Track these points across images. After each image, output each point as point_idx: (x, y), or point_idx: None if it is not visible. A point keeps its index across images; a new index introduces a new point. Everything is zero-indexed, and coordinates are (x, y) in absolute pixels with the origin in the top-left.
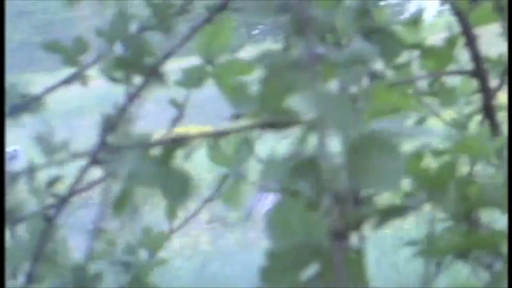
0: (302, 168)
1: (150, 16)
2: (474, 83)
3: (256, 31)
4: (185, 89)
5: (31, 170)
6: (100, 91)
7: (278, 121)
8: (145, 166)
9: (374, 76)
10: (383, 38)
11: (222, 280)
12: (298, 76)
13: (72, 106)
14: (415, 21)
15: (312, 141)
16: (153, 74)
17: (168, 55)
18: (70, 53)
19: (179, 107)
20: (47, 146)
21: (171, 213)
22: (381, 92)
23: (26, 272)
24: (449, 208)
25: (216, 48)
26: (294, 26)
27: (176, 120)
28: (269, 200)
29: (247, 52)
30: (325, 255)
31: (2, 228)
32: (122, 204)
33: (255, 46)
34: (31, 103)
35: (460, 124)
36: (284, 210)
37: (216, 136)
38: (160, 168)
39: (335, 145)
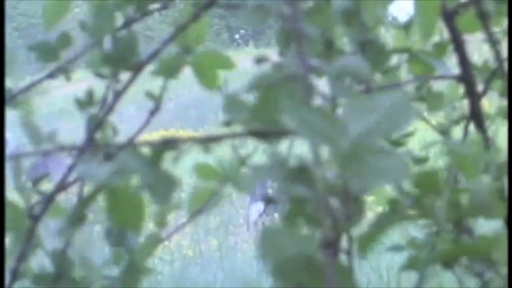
0: (295, 176)
1: (132, 10)
2: (460, 89)
3: (238, 36)
4: (162, 80)
5: (17, 158)
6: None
7: (270, 130)
8: (135, 165)
9: (361, 80)
10: (372, 44)
11: (202, 285)
12: (286, 91)
13: (55, 109)
14: (406, 26)
15: (299, 149)
16: (140, 71)
17: (156, 52)
18: (53, 48)
19: (156, 99)
20: (34, 134)
21: (160, 222)
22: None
23: (11, 269)
24: (440, 215)
25: (193, 37)
26: (287, 36)
27: (153, 112)
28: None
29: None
30: (316, 267)
31: (2, 228)
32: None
33: (237, 50)
34: (15, 98)
35: (446, 129)
36: (275, 234)
37: (207, 141)
38: (150, 168)
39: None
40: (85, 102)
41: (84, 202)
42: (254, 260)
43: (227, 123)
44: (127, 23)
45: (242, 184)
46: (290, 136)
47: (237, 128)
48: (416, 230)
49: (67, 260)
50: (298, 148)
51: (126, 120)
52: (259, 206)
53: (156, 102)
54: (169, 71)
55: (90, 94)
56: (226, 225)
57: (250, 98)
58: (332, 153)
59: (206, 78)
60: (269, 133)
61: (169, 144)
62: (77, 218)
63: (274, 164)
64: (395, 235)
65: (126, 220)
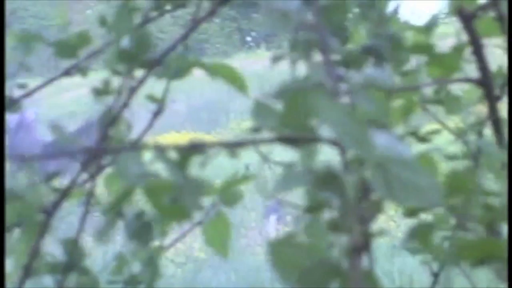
0: (325, 182)
1: (151, 8)
2: (477, 92)
3: (249, 38)
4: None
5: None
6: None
7: (298, 136)
8: (166, 168)
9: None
10: (393, 45)
11: (215, 287)
12: (320, 96)
13: (65, 111)
14: (428, 28)
15: (327, 155)
16: (155, 67)
17: (170, 49)
18: (72, 45)
19: (159, 102)
20: (61, 135)
21: (162, 231)
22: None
23: (24, 266)
24: (473, 216)
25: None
26: (310, 45)
27: (156, 114)
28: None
29: (239, 60)
30: (342, 273)
31: (2, 228)
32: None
33: (248, 52)
34: (30, 94)
35: (464, 133)
36: (281, 246)
37: (235, 146)
38: (178, 172)
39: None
40: (101, 91)
41: (119, 200)
42: (266, 263)
43: (256, 129)
44: (145, 22)
45: (267, 190)
46: (318, 142)
47: (266, 134)
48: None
49: (79, 249)
50: (323, 155)
51: (138, 122)
52: (276, 216)
53: (159, 104)
54: (172, 73)
55: (106, 83)
56: (238, 228)
57: (277, 104)
58: (362, 159)
59: (217, 73)
60: (297, 139)
61: (196, 148)
62: (113, 216)
63: (302, 170)
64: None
65: (173, 213)
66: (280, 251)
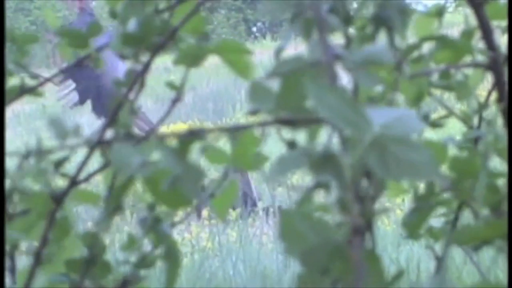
0: (322, 163)
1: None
2: (482, 77)
3: (255, 29)
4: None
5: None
6: None
7: (296, 118)
8: (164, 156)
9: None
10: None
11: (222, 277)
12: (312, 77)
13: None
14: (437, 13)
15: (326, 136)
16: (160, 51)
17: (174, 31)
18: (83, 35)
19: (177, 89)
20: (60, 129)
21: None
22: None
23: (34, 252)
24: (479, 199)
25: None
26: (308, 25)
27: (175, 101)
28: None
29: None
30: (344, 253)
31: (2, 227)
32: (122, 192)
33: (254, 43)
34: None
35: (469, 118)
36: (292, 218)
37: (234, 130)
38: (178, 159)
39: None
40: (123, 82)
41: (118, 191)
42: (273, 252)
43: (253, 112)
44: (157, 12)
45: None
46: (316, 123)
47: (263, 116)
48: (434, 220)
49: (100, 243)
50: (323, 137)
51: (144, 114)
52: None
53: (178, 92)
54: (190, 59)
55: (129, 74)
56: (245, 217)
57: (274, 87)
58: (357, 140)
59: (238, 66)
60: (295, 121)
61: (195, 135)
62: (113, 207)
63: (300, 152)
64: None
65: (173, 200)
66: (291, 221)
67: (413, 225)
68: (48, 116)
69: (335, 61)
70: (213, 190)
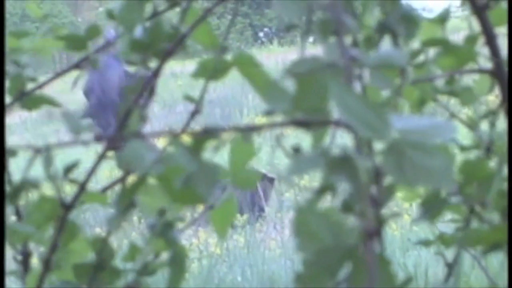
0: (339, 166)
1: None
2: (488, 83)
3: (262, 34)
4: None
5: (48, 150)
6: None
7: (312, 120)
8: (178, 154)
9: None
10: (406, 21)
11: (230, 282)
12: (333, 78)
13: (80, 106)
14: (441, 19)
15: (342, 139)
16: (169, 57)
17: (183, 37)
18: (81, 38)
19: (196, 103)
20: (74, 123)
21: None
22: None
23: (43, 259)
24: (489, 203)
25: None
26: (326, 27)
27: (194, 114)
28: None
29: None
30: (356, 256)
31: (2, 227)
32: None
33: (260, 48)
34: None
35: (475, 124)
36: (308, 215)
37: (248, 130)
38: (192, 157)
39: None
40: (133, 89)
41: (130, 190)
42: (281, 257)
43: (269, 113)
44: (156, 14)
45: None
46: (331, 125)
47: (279, 117)
48: (444, 226)
49: (109, 248)
50: (339, 139)
51: (151, 119)
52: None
53: (196, 105)
54: (210, 73)
55: (140, 80)
56: (252, 223)
57: (290, 88)
58: (375, 144)
59: (256, 79)
60: (311, 122)
61: (210, 133)
62: (125, 206)
63: (316, 153)
64: (421, 231)
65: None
66: (306, 219)
67: (428, 241)
68: (62, 111)
69: (352, 63)
70: (213, 202)
